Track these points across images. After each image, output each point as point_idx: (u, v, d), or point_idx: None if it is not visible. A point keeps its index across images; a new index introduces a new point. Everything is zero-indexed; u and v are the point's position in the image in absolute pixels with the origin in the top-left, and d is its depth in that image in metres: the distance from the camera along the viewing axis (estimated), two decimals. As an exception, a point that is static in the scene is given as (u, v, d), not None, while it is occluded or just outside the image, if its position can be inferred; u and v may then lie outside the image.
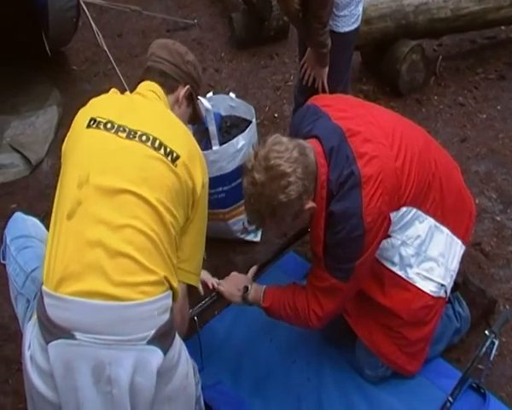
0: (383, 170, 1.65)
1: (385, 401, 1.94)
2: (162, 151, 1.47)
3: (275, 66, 3.71)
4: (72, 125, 1.60)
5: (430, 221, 1.82)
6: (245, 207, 1.73)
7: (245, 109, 2.49)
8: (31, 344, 1.38)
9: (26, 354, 1.38)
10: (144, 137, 1.48)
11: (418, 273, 1.83)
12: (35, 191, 2.94)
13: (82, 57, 3.83)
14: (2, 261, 1.73)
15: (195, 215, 1.54)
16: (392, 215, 1.72)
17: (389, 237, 1.78)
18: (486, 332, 1.89)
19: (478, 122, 3.17)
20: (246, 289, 1.92)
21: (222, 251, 2.46)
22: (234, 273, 2.02)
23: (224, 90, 3.41)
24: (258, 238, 2.58)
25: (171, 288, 1.44)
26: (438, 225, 1.84)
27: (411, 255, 1.81)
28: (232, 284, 1.96)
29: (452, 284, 1.93)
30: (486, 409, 1.89)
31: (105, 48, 3.08)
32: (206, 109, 2.22)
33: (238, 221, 2.48)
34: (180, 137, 1.56)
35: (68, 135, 1.59)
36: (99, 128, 1.50)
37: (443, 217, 1.85)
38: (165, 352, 1.36)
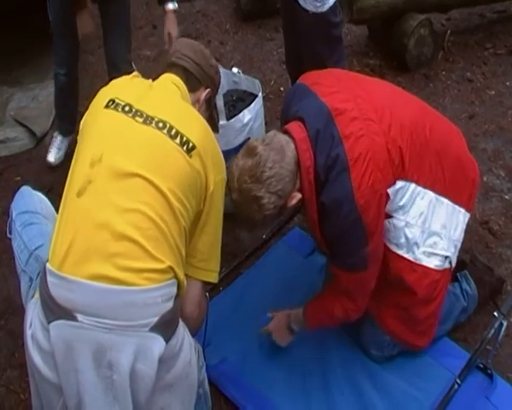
0: (371, 147, 1.61)
1: (390, 380, 1.94)
2: (178, 140, 1.45)
3: (280, 38, 3.60)
4: (92, 103, 1.59)
5: (430, 195, 1.78)
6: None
7: (249, 84, 2.45)
8: (32, 323, 1.37)
9: (28, 332, 1.36)
10: (161, 124, 1.46)
11: (424, 251, 1.81)
12: (39, 164, 2.93)
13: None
14: (8, 235, 1.73)
15: (211, 213, 1.52)
16: (390, 190, 1.68)
17: (390, 217, 1.75)
18: (495, 314, 1.86)
19: (486, 98, 3.13)
20: (292, 330, 1.96)
21: (228, 228, 2.43)
22: (275, 316, 2.00)
23: (229, 63, 3.37)
24: (263, 214, 2.56)
25: (177, 278, 1.42)
26: (438, 197, 1.80)
27: (417, 235, 1.78)
28: (280, 329, 1.98)
29: (457, 253, 1.90)
30: (493, 390, 1.89)
31: (109, 19, 3.02)
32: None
33: (244, 197, 2.47)
34: (197, 129, 1.53)
35: (87, 113, 1.58)
36: (117, 110, 1.48)
37: (442, 187, 1.81)
38: (167, 340, 1.34)
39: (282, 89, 3.25)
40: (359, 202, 1.59)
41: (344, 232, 1.65)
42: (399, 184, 1.71)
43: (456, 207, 1.86)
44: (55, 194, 2.53)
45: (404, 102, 1.86)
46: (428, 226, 1.81)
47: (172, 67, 1.66)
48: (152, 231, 1.36)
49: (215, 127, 1.84)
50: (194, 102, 1.67)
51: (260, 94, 2.36)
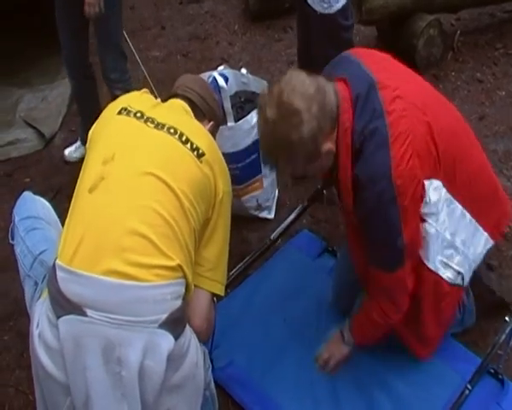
0: (413, 131, 1.52)
1: (400, 385, 1.93)
2: (189, 145, 1.48)
3: (289, 39, 3.64)
4: (101, 115, 1.61)
5: (457, 206, 1.71)
6: (259, 145, 1.67)
7: (258, 85, 2.44)
8: (39, 322, 1.37)
9: (35, 332, 1.36)
10: (172, 130, 1.49)
11: (441, 260, 1.73)
12: (48, 165, 2.95)
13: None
14: (11, 241, 1.72)
15: (219, 222, 1.54)
16: (426, 184, 1.58)
17: (424, 220, 1.65)
18: (507, 318, 1.84)
19: (497, 99, 3.10)
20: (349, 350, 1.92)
21: (235, 229, 2.42)
22: (327, 346, 1.97)
23: (238, 64, 3.37)
24: (271, 215, 2.56)
25: (186, 278, 1.42)
26: (463, 211, 1.73)
27: (444, 246, 1.71)
28: (335, 353, 1.94)
29: (471, 274, 1.83)
30: (504, 395, 1.87)
31: (117, 20, 3.02)
32: (221, 87, 2.19)
33: (252, 198, 2.46)
34: (205, 138, 1.56)
35: (96, 123, 1.60)
36: (129, 116, 1.52)
37: (468, 202, 1.74)
38: (176, 338, 1.35)
39: (290, 90, 3.23)
40: (396, 181, 1.49)
41: (377, 211, 1.54)
42: (435, 183, 1.61)
43: (480, 228, 1.77)
44: (64, 195, 2.56)
45: (444, 103, 1.77)
46: (450, 237, 1.73)
47: (177, 98, 1.68)
48: (163, 228, 1.37)
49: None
50: None
51: (269, 95, 2.34)
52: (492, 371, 1.90)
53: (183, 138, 1.48)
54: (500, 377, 1.90)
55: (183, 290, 1.42)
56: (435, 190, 1.62)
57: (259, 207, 2.51)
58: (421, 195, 1.58)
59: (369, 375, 1.96)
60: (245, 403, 1.91)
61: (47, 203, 1.80)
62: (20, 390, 2.03)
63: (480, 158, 1.85)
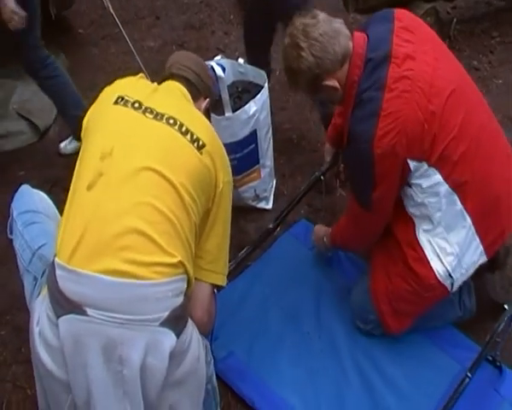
0: (406, 113, 1.61)
1: (399, 373, 1.93)
2: (189, 137, 1.45)
3: (283, 28, 3.62)
4: (97, 101, 1.58)
5: (457, 204, 1.73)
6: None
7: (255, 74, 2.43)
8: (39, 320, 1.35)
9: (35, 329, 1.34)
10: (172, 121, 1.46)
11: (430, 242, 1.78)
12: (43, 158, 2.92)
13: (88, 20, 3.76)
14: (9, 236, 1.69)
15: (219, 214, 1.52)
16: (412, 164, 1.67)
17: (409, 186, 1.74)
18: (505, 306, 1.85)
19: (493, 88, 3.10)
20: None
21: (233, 220, 2.41)
22: (317, 227, 2.23)
23: (234, 53, 3.34)
24: (269, 206, 2.56)
25: (187, 273, 1.41)
26: (464, 213, 1.75)
27: (430, 224, 1.76)
28: (317, 238, 2.21)
29: (460, 284, 1.85)
30: (502, 382, 1.88)
31: (111, 10, 3.00)
32: (219, 77, 2.17)
33: (249, 188, 2.45)
34: (205, 128, 1.53)
35: (91, 110, 1.57)
36: (126, 106, 1.48)
37: (471, 210, 1.75)
38: (177, 335, 1.33)
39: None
40: (376, 150, 1.62)
41: (355, 165, 1.77)
42: (424, 166, 1.68)
43: (477, 238, 1.78)
44: (59, 188, 2.54)
45: (474, 105, 1.79)
46: (443, 229, 1.76)
47: (173, 78, 1.65)
48: (163, 225, 1.35)
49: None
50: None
51: (266, 85, 2.33)
52: (490, 358, 1.91)
53: (183, 129, 1.45)
54: (498, 364, 1.91)
55: (185, 286, 1.40)
56: (424, 173, 1.69)
57: (257, 198, 2.50)
58: (399, 170, 1.69)
59: (368, 365, 1.96)
60: (244, 394, 1.90)
61: (45, 196, 1.77)
62: (17, 385, 2.01)
63: (500, 158, 1.84)
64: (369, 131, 1.62)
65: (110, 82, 1.62)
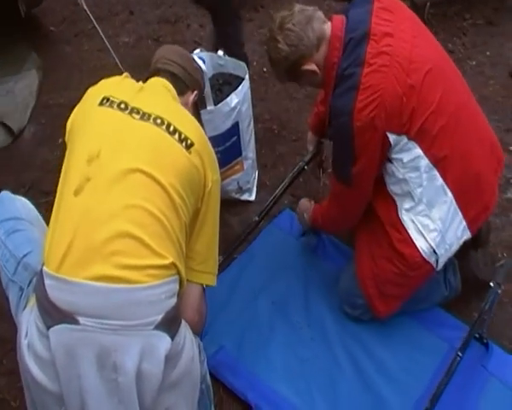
0: (385, 87, 1.64)
1: (388, 355, 1.96)
2: (177, 136, 1.44)
3: (260, 18, 3.61)
4: (81, 101, 1.55)
5: (437, 179, 1.76)
6: None
7: (235, 66, 2.41)
8: (28, 332, 1.30)
9: (23, 342, 1.30)
10: (159, 121, 1.44)
11: (413, 221, 1.80)
12: (19, 161, 2.84)
13: (60, 17, 3.69)
14: None
15: (208, 213, 1.51)
16: (392, 138, 1.70)
17: (391, 161, 1.77)
18: (491, 284, 1.87)
19: (467, 69, 3.13)
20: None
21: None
22: (301, 201, 2.27)
23: (210, 46, 3.30)
24: (252, 197, 2.55)
25: (179, 274, 1.39)
26: (445, 188, 1.77)
27: (410, 198, 1.79)
28: (299, 213, 2.26)
29: (445, 261, 1.87)
30: (489, 358, 1.92)
31: (85, 7, 2.93)
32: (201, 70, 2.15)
33: (233, 181, 2.45)
34: (193, 127, 1.52)
35: (75, 112, 1.54)
36: (112, 107, 1.45)
37: (453, 185, 1.78)
38: (172, 337, 1.32)
39: (264, 69, 3.21)
40: (356, 123, 1.66)
41: (337, 138, 1.80)
42: (404, 139, 1.71)
43: (460, 213, 1.82)
44: (36, 191, 2.48)
45: (450, 78, 1.82)
46: (426, 205, 1.78)
47: (159, 73, 1.63)
48: (154, 226, 1.33)
49: (203, 128, 1.84)
50: (183, 106, 1.64)
51: (247, 76, 2.32)
52: (477, 335, 1.95)
53: (171, 129, 1.43)
54: (485, 341, 1.95)
55: (177, 287, 1.39)
56: (404, 147, 1.72)
57: (240, 190, 2.50)
58: (378, 144, 1.72)
59: (358, 350, 1.98)
60: (237, 389, 1.90)
61: (27, 202, 1.72)
62: (0, 398, 1.96)
63: (480, 136, 1.88)
64: (349, 104, 1.66)
65: (94, 82, 1.59)
